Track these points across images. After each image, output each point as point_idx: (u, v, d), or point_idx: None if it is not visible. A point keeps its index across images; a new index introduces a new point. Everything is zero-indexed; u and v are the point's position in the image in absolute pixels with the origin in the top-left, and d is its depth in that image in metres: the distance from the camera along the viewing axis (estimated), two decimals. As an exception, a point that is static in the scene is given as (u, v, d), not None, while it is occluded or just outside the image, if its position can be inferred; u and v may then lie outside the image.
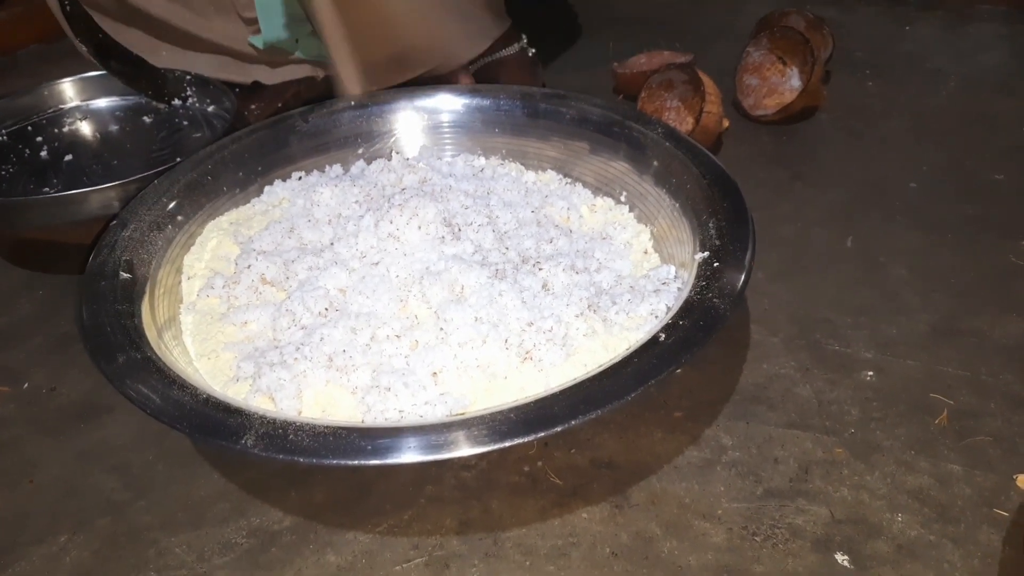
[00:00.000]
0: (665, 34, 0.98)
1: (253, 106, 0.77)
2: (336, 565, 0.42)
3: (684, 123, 0.77)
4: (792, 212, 0.67)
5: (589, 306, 0.48)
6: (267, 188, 0.61)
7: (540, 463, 0.47)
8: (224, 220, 0.58)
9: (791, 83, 0.81)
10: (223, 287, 0.51)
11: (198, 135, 0.71)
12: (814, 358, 0.53)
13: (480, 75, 0.78)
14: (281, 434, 0.37)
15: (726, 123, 0.74)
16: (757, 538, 0.42)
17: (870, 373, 0.51)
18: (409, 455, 0.37)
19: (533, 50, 0.81)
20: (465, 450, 0.37)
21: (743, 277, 0.45)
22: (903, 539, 0.41)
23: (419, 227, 0.52)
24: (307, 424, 0.38)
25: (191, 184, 0.58)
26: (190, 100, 0.75)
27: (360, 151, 0.65)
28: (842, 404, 0.49)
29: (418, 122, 0.65)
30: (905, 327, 0.55)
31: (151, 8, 0.73)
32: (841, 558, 0.41)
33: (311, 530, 0.44)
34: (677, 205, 0.55)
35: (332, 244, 0.53)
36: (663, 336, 0.41)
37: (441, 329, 0.46)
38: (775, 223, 0.66)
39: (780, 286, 0.59)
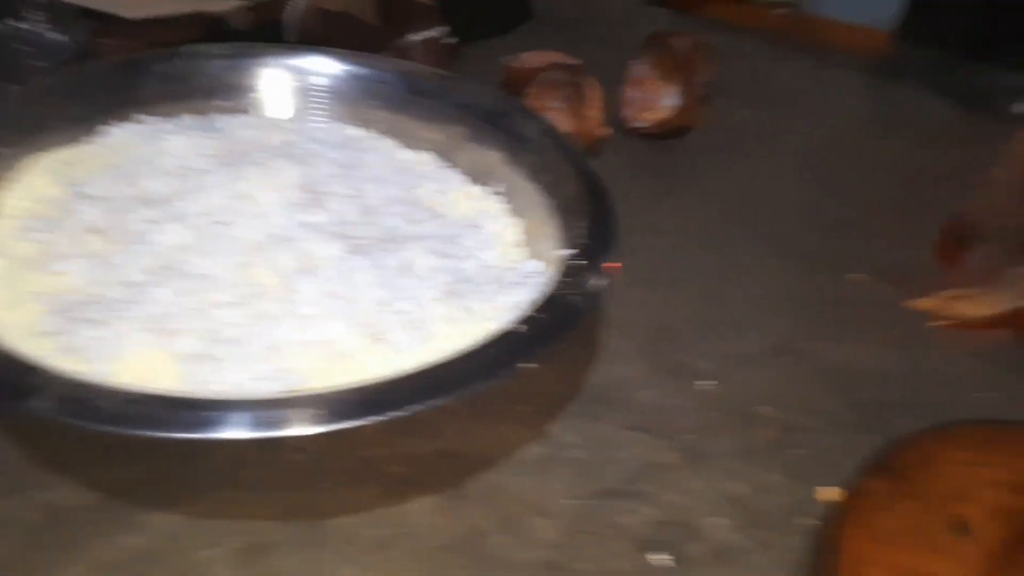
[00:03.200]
0: (559, 37, 0.99)
1: (107, 40, 0.70)
2: (136, 547, 0.39)
3: (565, 124, 0.77)
4: (659, 224, 0.69)
5: (451, 292, 0.47)
6: (107, 129, 0.55)
7: (379, 450, 0.45)
8: (53, 158, 0.52)
9: (671, 100, 0.83)
10: (41, 231, 0.45)
11: (38, 63, 0.64)
12: (661, 365, 0.54)
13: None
14: (85, 398, 0.33)
15: (606, 131, 0.76)
16: (586, 535, 0.43)
17: (710, 383, 0.54)
18: (233, 431, 0.34)
19: (455, 40, 0.79)
20: (297, 429, 0.35)
21: (606, 278, 0.46)
22: (719, 542, 0.43)
23: (276, 190, 0.49)
24: (118, 389, 0.34)
25: (20, 115, 0.52)
26: (31, 22, 0.67)
27: (220, 103, 0.60)
28: (681, 411, 0.51)
29: (289, 82, 0.61)
30: (746, 343, 0.58)
31: None
32: (660, 558, 0.42)
33: (112, 509, 0.40)
34: (550, 202, 0.54)
35: (175, 197, 0.49)
36: (521, 327, 0.41)
37: (286, 300, 0.43)
38: (642, 232, 0.68)
39: (639, 293, 0.60)
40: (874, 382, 0.56)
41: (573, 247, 0.50)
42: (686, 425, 0.50)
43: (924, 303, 0.62)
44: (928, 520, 0.39)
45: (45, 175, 0.50)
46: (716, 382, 0.54)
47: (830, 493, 0.46)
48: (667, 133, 0.81)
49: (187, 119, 0.58)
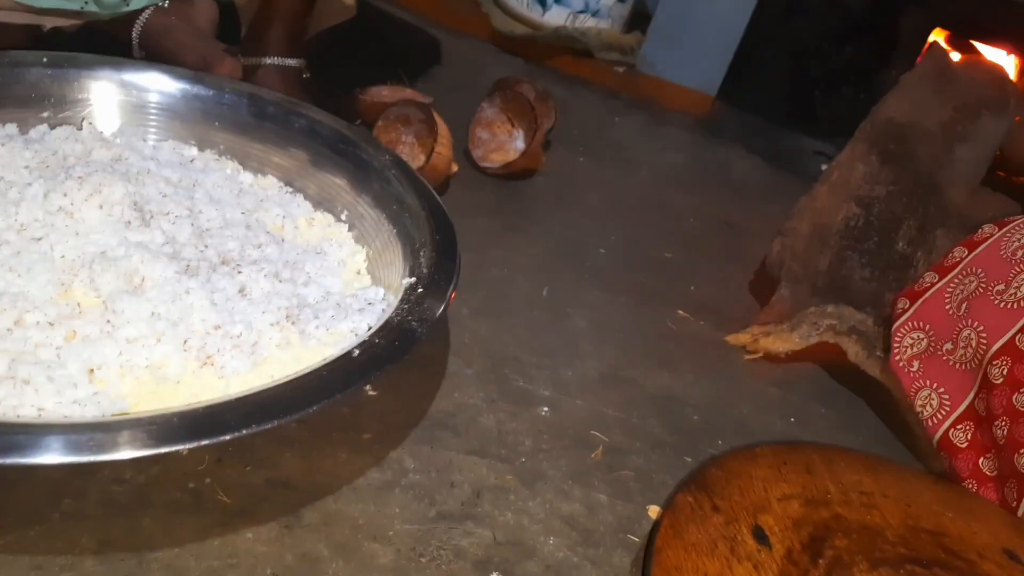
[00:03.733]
0: (410, 75, 1.01)
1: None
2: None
3: (416, 159, 0.79)
4: (501, 258, 0.72)
5: (287, 316, 0.47)
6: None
7: (208, 480, 0.43)
8: None
9: (516, 144, 0.88)
10: None
11: None
12: (500, 391, 0.56)
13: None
14: None
15: (455, 167, 0.78)
16: (423, 559, 0.43)
17: (545, 408, 0.56)
18: (40, 456, 0.32)
19: (307, 75, 0.79)
20: (111, 454, 0.33)
21: (443, 305, 0.47)
22: (552, 560, 0.45)
23: (100, 206, 0.47)
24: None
25: None
26: None
27: (45, 115, 0.56)
28: (518, 435, 0.53)
29: (122, 97, 0.59)
30: (579, 371, 0.61)
31: None
32: (496, 579, 0.43)
33: None
34: (394, 231, 0.56)
35: (-12, 209, 0.45)
36: (356, 352, 0.41)
37: (108, 322, 0.41)
38: (484, 265, 0.70)
39: (480, 323, 0.62)
40: (693, 408, 0.61)
41: (414, 275, 0.51)
42: (523, 449, 0.52)
43: (738, 338, 0.68)
44: (732, 530, 0.43)
45: None
46: (550, 409, 0.56)
47: (658, 510, 0.49)
48: (513, 174, 0.85)
49: (4, 129, 0.53)
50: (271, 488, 0.44)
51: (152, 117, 0.59)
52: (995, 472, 0.52)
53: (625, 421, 0.57)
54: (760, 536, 0.42)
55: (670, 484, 0.52)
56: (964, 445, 0.54)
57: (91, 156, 0.52)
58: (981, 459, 0.53)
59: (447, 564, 0.43)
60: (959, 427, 0.55)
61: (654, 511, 0.50)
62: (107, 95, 0.58)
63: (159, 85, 0.60)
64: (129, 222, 0.47)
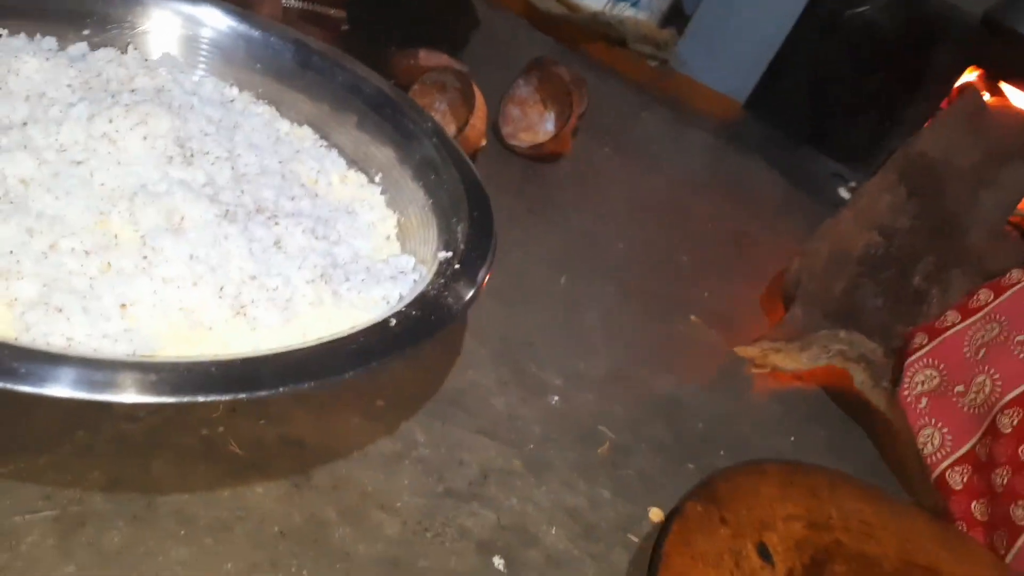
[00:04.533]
0: (447, 44, 0.99)
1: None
2: (-70, 507, 0.34)
3: (448, 128, 0.77)
4: (521, 241, 0.72)
5: (322, 275, 0.46)
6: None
7: (221, 429, 0.43)
8: None
9: (547, 126, 0.87)
10: None
11: None
12: (513, 375, 0.56)
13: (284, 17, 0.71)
14: None
15: (484, 141, 0.77)
16: (428, 534, 0.43)
17: (556, 398, 0.56)
18: (61, 388, 0.31)
19: (346, 27, 0.77)
20: (138, 396, 0.32)
21: (478, 285, 0.47)
22: (553, 551, 0.45)
23: (144, 137, 0.45)
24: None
25: None
26: None
27: (87, 32, 0.55)
28: (528, 421, 0.53)
29: (170, 24, 0.57)
30: (590, 364, 0.61)
31: None
32: (499, 561, 0.43)
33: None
34: (429, 201, 0.55)
35: (25, 124, 0.43)
36: (393, 322, 0.41)
37: (144, 257, 0.40)
38: (504, 247, 0.68)
39: (496, 304, 0.62)
40: (697, 415, 0.61)
41: (449, 249, 0.50)
42: (532, 435, 0.52)
43: (746, 351, 0.68)
44: (738, 544, 0.43)
45: None
46: (560, 398, 0.56)
47: (659, 513, 0.50)
48: (539, 156, 0.84)
49: (45, 41, 0.52)
50: (283, 445, 0.44)
51: (196, 51, 0.58)
52: (986, 518, 0.53)
53: (631, 420, 0.58)
54: (764, 553, 0.43)
55: (671, 488, 0.52)
56: (959, 487, 0.55)
57: (134, 83, 0.51)
58: (974, 503, 0.54)
59: (451, 542, 0.43)
60: (957, 469, 0.55)
61: (655, 514, 0.50)
62: (153, 21, 0.57)
63: (207, 18, 0.58)
64: (172, 157, 0.45)
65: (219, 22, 0.58)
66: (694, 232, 0.89)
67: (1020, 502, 0.50)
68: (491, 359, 0.57)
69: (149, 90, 0.51)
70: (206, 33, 0.58)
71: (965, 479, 0.55)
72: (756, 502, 0.46)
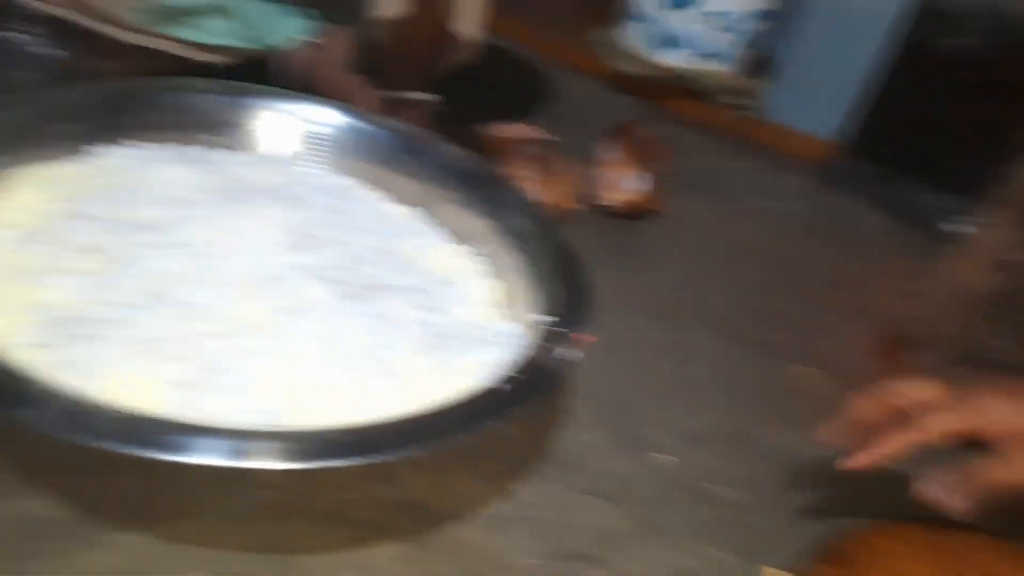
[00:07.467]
0: (527, 111, 1.03)
1: (100, 61, 0.70)
2: (103, 566, 0.38)
3: (537, 196, 0.80)
4: (616, 300, 0.73)
5: (428, 344, 0.49)
6: (97, 150, 0.55)
7: (348, 494, 0.45)
8: (45, 174, 0.52)
9: (638, 184, 0.88)
10: (36, 244, 0.45)
11: (27, 76, 0.64)
12: (621, 435, 0.57)
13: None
14: (78, 413, 0.33)
15: (575, 205, 0.80)
16: (546, 596, 0.44)
17: (665, 456, 0.56)
18: (216, 457, 0.35)
19: (443, 109, 0.83)
20: (277, 463, 0.35)
21: (581, 345, 0.48)
22: (671, 611, 0.45)
23: (267, 228, 0.50)
24: (108, 407, 0.34)
25: (11, 126, 0.51)
26: (22, 34, 0.67)
27: (211, 138, 0.61)
28: (638, 481, 0.53)
29: (283, 125, 0.63)
30: (700, 421, 0.60)
31: None
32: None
33: (84, 525, 0.39)
34: (529, 269, 0.57)
35: (168, 225, 0.49)
36: (503, 385, 0.42)
37: (276, 338, 0.44)
38: (604, 306, 0.70)
39: (602, 365, 0.63)
40: (815, 470, 0.59)
41: (550, 314, 0.52)
42: (642, 495, 0.52)
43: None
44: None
45: (39, 190, 0.49)
46: (671, 456, 0.56)
47: (776, 574, 0.48)
48: (632, 214, 0.86)
49: (181, 150, 0.58)
50: (402, 508, 0.46)
51: (310, 146, 0.63)
52: None
53: (746, 477, 0.56)
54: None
55: (791, 548, 0.51)
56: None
57: (257, 180, 0.57)
58: None
59: (569, 604, 0.43)
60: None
61: (770, 574, 0.49)
62: (273, 123, 0.63)
63: (316, 116, 0.64)
64: (291, 245, 0.50)
65: (326, 118, 0.64)
66: (798, 276, 0.87)
67: None
68: (598, 419, 0.57)
69: (268, 185, 0.56)
70: (314, 130, 0.63)
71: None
72: (893, 566, 0.44)
